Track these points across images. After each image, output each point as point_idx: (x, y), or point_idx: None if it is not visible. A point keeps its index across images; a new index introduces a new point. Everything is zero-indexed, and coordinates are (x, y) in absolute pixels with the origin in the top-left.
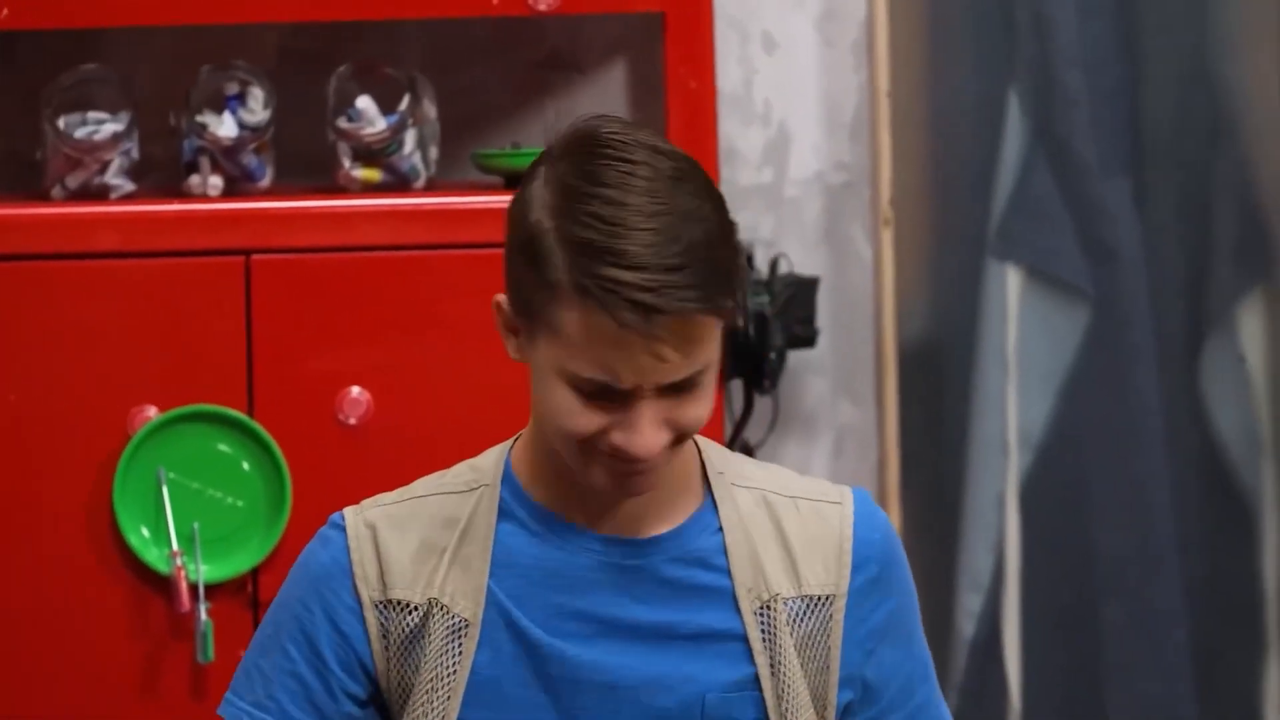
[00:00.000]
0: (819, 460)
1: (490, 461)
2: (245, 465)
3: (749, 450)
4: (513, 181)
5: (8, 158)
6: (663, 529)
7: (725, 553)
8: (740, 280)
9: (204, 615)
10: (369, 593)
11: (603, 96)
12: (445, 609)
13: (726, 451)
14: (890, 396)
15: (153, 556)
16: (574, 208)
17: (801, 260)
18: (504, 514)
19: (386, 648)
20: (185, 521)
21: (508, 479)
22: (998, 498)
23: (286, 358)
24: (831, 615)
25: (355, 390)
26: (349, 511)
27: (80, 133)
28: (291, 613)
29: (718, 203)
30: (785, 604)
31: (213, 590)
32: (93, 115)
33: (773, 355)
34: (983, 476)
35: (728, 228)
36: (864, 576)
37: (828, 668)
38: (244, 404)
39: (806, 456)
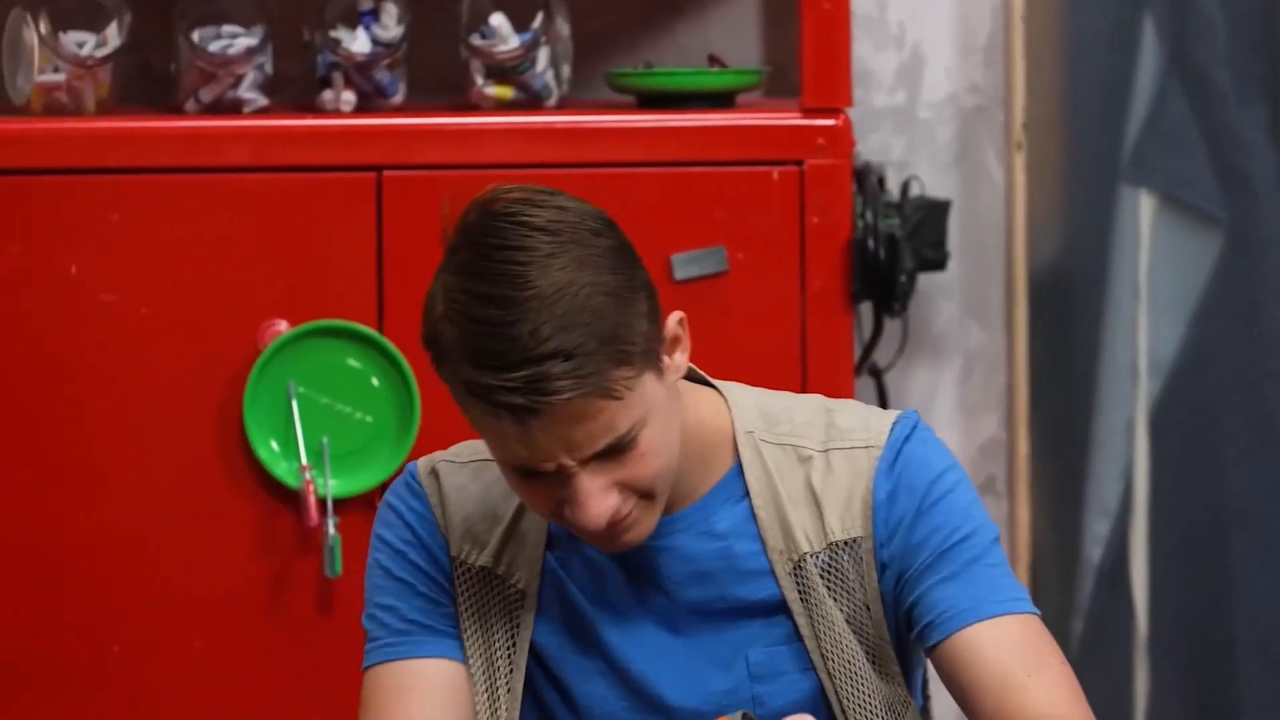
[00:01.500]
0: (947, 384)
1: None
2: (375, 381)
3: (877, 373)
4: (645, 101)
5: (141, 71)
6: (688, 502)
7: (754, 518)
8: (636, 338)
9: (332, 530)
10: (447, 539)
11: (735, 18)
12: (501, 579)
13: (768, 401)
14: (1020, 321)
15: (282, 470)
16: (453, 310)
17: (933, 183)
18: None
19: (458, 602)
20: (314, 436)
21: None
22: (1127, 423)
23: (417, 274)
24: (861, 557)
25: None
26: (421, 463)
27: (214, 46)
28: (395, 549)
29: (603, 265)
30: (814, 558)
31: (341, 505)
32: (226, 29)
33: (903, 278)
34: (1112, 402)
35: (616, 286)
36: (887, 519)
37: (867, 607)
38: (374, 319)
39: (935, 380)
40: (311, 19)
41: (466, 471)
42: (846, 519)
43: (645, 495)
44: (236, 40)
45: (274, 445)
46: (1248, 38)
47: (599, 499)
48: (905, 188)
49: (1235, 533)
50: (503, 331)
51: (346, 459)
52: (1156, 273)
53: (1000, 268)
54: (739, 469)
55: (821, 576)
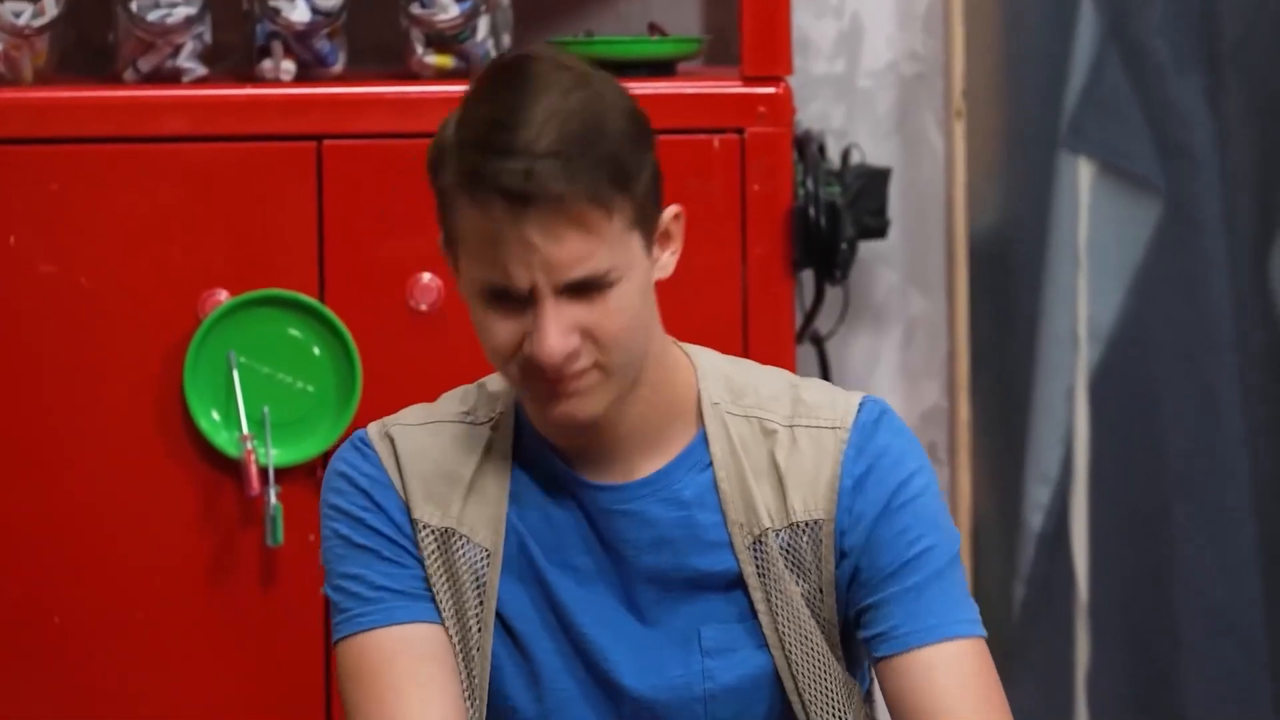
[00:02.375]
0: (889, 351)
1: (505, 389)
2: (316, 350)
3: (819, 341)
4: None
5: (80, 40)
6: (652, 468)
7: (716, 489)
8: (636, 177)
9: (274, 499)
10: (407, 502)
11: None
12: (465, 539)
13: (735, 371)
14: (961, 288)
15: (223, 440)
16: (466, 117)
17: (873, 151)
18: (518, 448)
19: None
20: (255, 405)
21: (519, 411)
22: (1067, 390)
23: (358, 243)
24: (820, 540)
25: (426, 276)
26: (372, 429)
27: (153, 15)
28: (353, 516)
29: (619, 109)
30: (775, 535)
31: (282, 474)
32: None
33: (843, 246)
34: (1052, 369)
35: (627, 129)
36: (851, 508)
37: (821, 590)
38: (315, 289)
39: (876, 347)
40: None
41: (423, 433)
42: (810, 500)
43: (603, 365)
44: (175, 9)
45: (215, 415)
46: (1184, 7)
47: (561, 332)
48: (845, 156)
49: (1175, 500)
50: (508, 123)
51: (288, 429)
52: (1096, 241)
53: (941, 235)
54: (704, 438)
55: (781, 553)
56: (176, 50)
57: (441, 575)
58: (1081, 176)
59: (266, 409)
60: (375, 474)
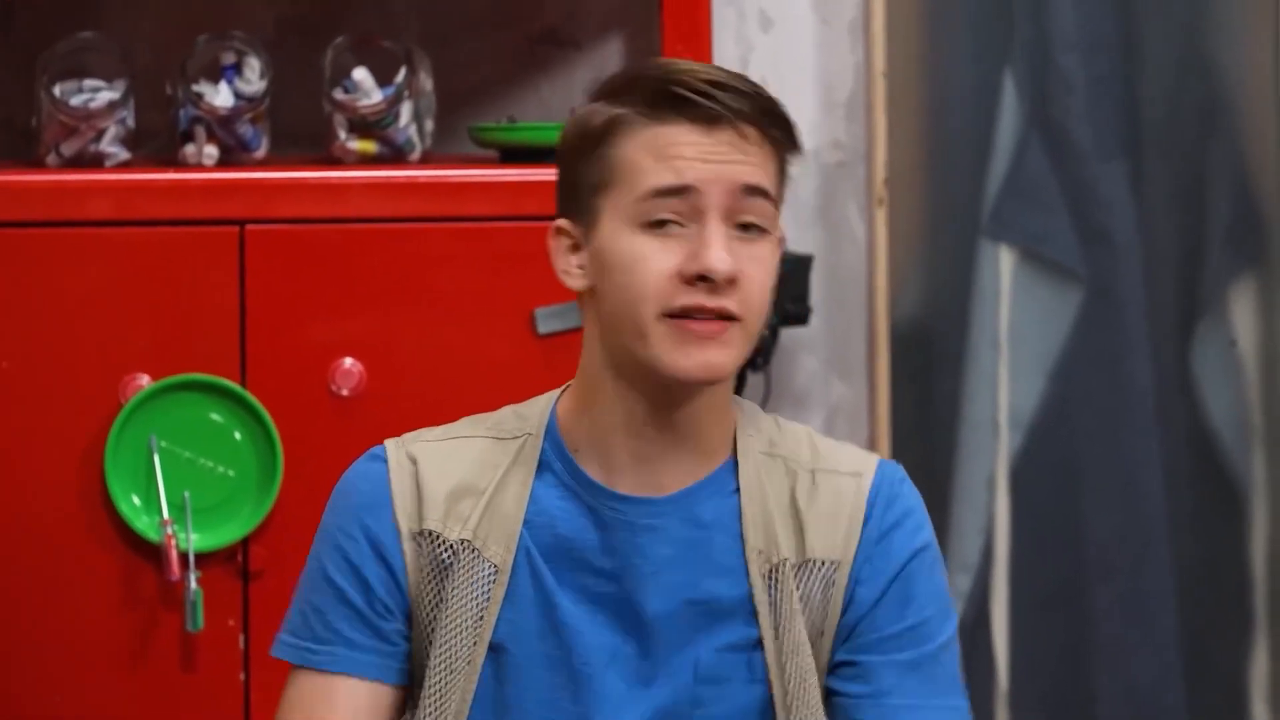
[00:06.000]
0: None
1: (536, 410)
2: (237, 435)
3: None
4: (509, 155)
5: (3, 124)
6: (679, 486)
7: (739, 515)
8: (790, 157)
9: (194, 584)
10: (407, 523)
11: (599, 72)
12: (477, 552)
13: (764, 417)
14: (882, 375)
15: (143, 525)
16: (638, 71)
17: (795, 238)
18: (542, 466)
19: (420, 580)
20: (176, 490)
21: (550, 432)
22: (988, 478)
23: (280, 328)
24: (834, 581)
25: (348, 361)
26: (390, 443)
27: (76, 100)
28: (334, 543)
29: None
30: (792, 568)
31: (203, 559)
32: (89, 83)
33: (765, 332)
34: (973, 457)
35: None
36: (870, 557)
37: (821, 633)
38: (237, 374)
39: None
40: (174, 73)
41: (445, 448)
42: (828, 541)
43: (740, 317)
44: (99, 94)
45: (135, 500)
46: (1105, 95)
47: (726, 248)
48: None
49: (1097, 583)
50: (697, 65)
51: (209, 513)
52: (1017, 327)
53: (862, 322)
54: (733, 465)
55: (797, 587)
56: (99, 135)
57: (452, 585)
58: (1003, 263)
59: (187, 494)
60: (374, 491)
